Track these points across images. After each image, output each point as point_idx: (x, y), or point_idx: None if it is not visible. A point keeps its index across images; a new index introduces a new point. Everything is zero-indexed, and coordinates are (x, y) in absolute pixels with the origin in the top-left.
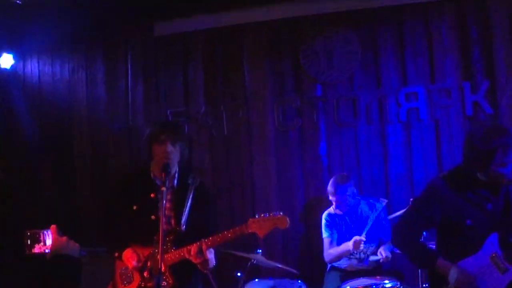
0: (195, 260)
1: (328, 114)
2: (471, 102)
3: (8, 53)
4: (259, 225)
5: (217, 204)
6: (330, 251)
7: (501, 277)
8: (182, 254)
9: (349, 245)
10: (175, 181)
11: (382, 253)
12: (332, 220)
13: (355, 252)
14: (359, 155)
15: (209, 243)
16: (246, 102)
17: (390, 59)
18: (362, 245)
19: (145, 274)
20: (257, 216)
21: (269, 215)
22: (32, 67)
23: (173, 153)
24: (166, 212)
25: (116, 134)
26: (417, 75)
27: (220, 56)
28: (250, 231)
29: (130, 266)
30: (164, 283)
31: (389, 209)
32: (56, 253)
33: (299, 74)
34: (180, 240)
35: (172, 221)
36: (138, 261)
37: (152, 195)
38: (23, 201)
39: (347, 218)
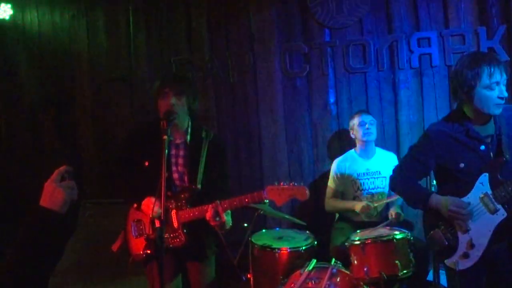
0: (212, 223)
1: (336, 60)
2: (486, 48)
3: (7, 3)
4: (277, 193)
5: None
6: (334, 203)
7: (491, 217)
8: (197, 213)
9: (356, 207)
10: (188, 136)
11: (392, 214)
12: (343, 167)
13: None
14: (368, 103)
15: (226, 205)
16: (251, 49)
17: (401, 2)
18: (369, 211)
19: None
20: (276, 184)
21: (289, 184)
22: (32, 16)
23: (178, 106)
24: (179, 168)
25: (118, 84)
26: (430, 19)
27: (224, 1)
28: (268, 198)
29: (149, 213)
30: (177, 240)
31: (399, 157)
32: (41, 205)
33: (306, 19)
34: (196, 198)
35: (186, 178)
36: (159, 207)
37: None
38: (25, 153)
39: (362, 161)
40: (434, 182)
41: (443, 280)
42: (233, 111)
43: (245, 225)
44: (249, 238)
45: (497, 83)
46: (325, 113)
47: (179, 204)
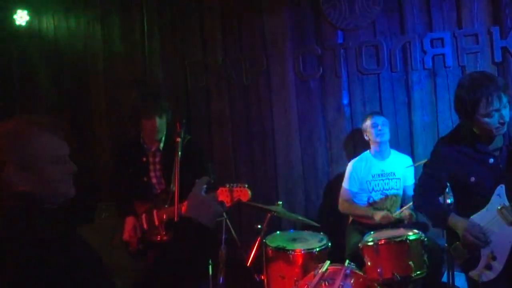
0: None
1: (350, 62)
2: (500, 48)
3: (23, 9)
4: (226, 194)
5: (205, 157)
6: (349, 207)
7: (509, 228)
8: (172, 212)
9: (377, 217)
10: (161, 145)
11: (406, 213)
12: (358, 167)
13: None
14: (382, 104)
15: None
16: (265, 51)
17: (414, 3)
18: (390, 220)
19: (144, 226)
20: (227, 186)
21: (237, 186)
22: (48, 22)
23: (161, 124)
24: (157, 173)
25: (133, 88)
26: (443, 20)
27: (237, 4)
28: (219, 199)
29: (124, 236)
30: (158, 236)
31: (413, 158)
32: (187, 215)
33: (319, 21)
34: (173, 198)
35: (163, 181)
36: (132, 236)
37: (144, 159)
38: None
39: (377, 162)
40: (449, 200)
41: (458, 281)
42: (247, 113)
43: (259, 226)
44: (263, 240)
45: (497, 110)
46: (338, 115)
47: (158, 204)
